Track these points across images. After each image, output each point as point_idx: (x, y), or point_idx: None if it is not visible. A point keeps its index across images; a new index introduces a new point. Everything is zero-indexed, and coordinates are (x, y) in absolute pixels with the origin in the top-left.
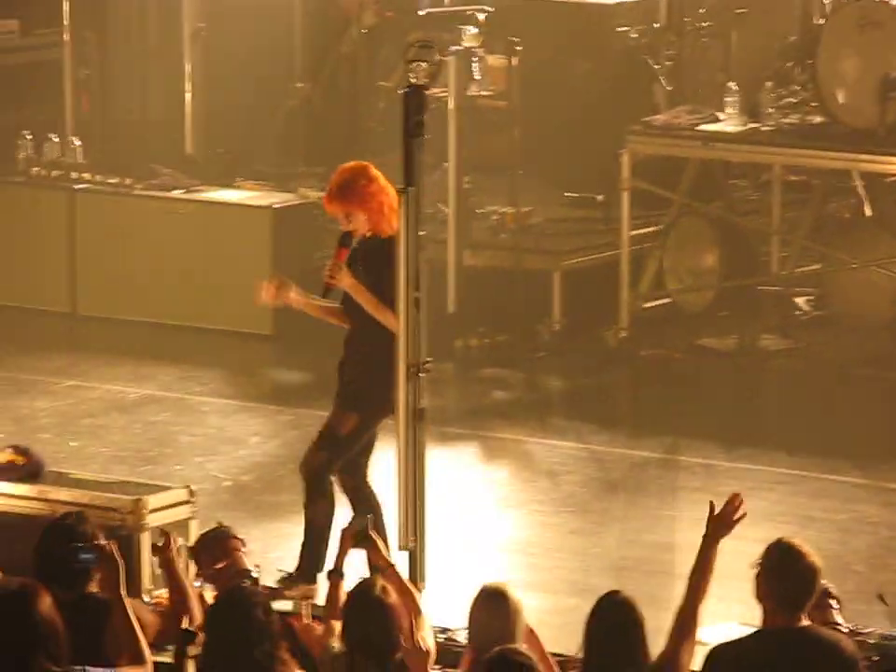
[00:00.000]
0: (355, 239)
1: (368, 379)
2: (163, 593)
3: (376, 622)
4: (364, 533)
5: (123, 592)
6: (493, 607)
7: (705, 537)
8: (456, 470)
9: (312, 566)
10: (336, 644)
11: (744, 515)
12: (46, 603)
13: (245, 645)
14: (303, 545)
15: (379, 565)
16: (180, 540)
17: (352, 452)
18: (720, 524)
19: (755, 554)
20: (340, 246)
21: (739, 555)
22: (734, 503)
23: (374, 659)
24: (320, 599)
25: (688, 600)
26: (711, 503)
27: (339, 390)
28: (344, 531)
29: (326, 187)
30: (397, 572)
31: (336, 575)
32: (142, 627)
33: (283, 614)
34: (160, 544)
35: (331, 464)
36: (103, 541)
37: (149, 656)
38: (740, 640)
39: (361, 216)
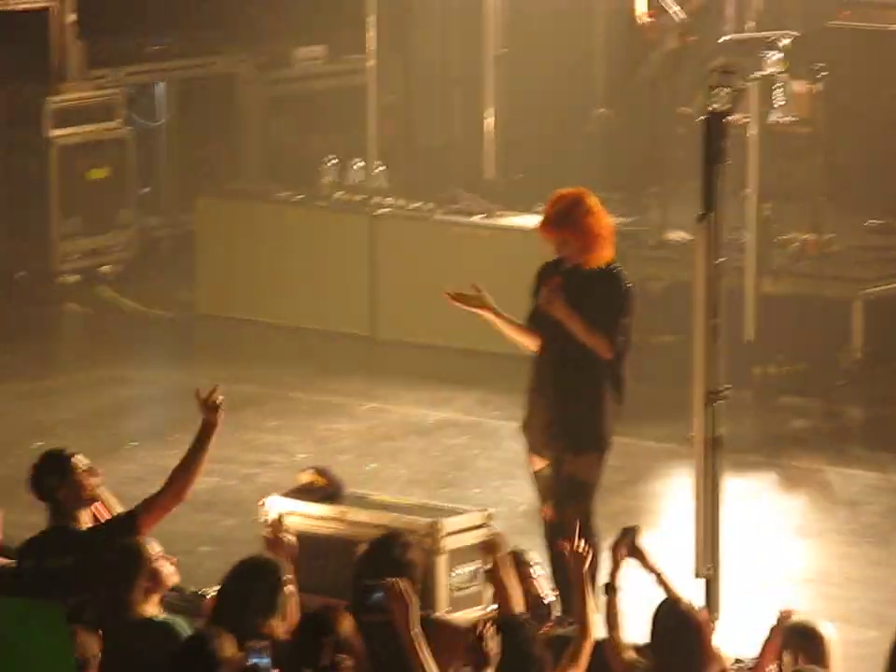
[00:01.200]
0: (564, 267)
1: (592, 416)
2: (459, 616)
3: (690, 637)
4: (634, 544)
5: (416, 630)
6: (807, 646)
7: None
8: (753, 499)
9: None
10: (633, 655)
11: None
12: (346, 625)
13: None
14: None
15: (650, 573)
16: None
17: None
18: None
19: None
20: (552, 274)
21: None
22: None
23: None
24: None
25: None
26: None
27: (554, 431)
28: (617, 544)
29: (542, 211)
30: (665, 580)
31: (612, 589)
32: (449, 646)
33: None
34: (490, 549)
35: (591, 508)
36: (396, 579)
37: None
38: None
39: (574, 244)
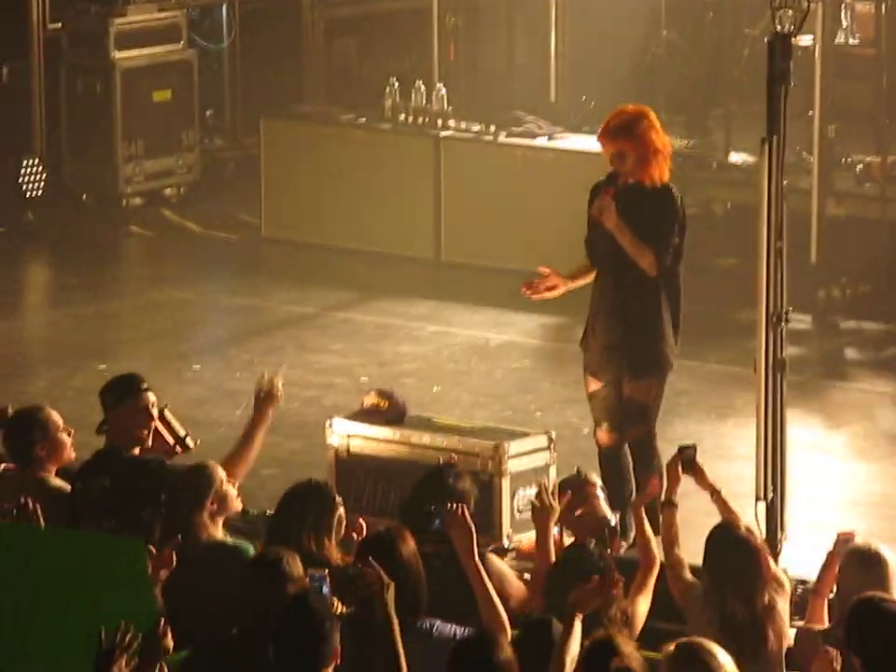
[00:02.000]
0: (619, 183)
1: (651, 339)
2: (522, 538)
3: (746, 560)
4: (691, 460)
5: (477, 560)
6: (868, 569)
7: None
8: (816, 421)
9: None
10: (690, 577)
11: None
12: (409, 548)
13: None
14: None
15: (706, 490)
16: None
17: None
18: None
19: None
20: (607, 184)
21: None
22: None
23: (744, 599)
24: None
25: None
26: None
27: (612, 355)
28: (673, 462)
29: (602, 124)
30: (723, 498)
31: (670, 505)
32: (505, 598)
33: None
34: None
35: (653, 431)
36: (455, 506)
37: (507, 624)
38: None
39: (631, 157)
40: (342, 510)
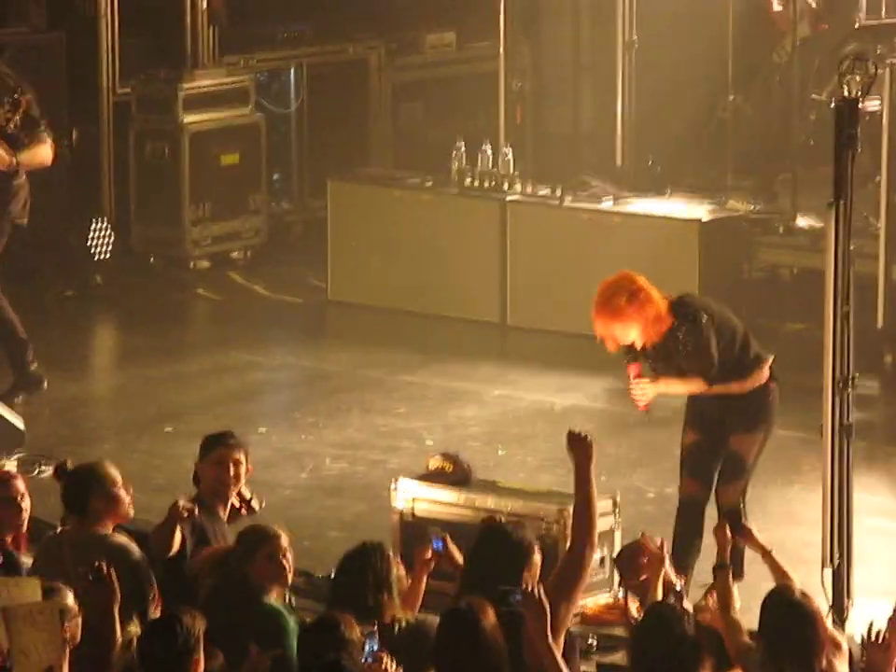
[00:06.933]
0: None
1: (753, 400)
2: (587, 602)
3: (801, 625)
4: (739, 524)
5: (550, 641)
6: None
7: None
8: (882, 487)
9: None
10: (747, 639)
11: None
12: (491, 622)
13: (675, 663)
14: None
15: (756, 551)
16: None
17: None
18: None
19: None
20: (629, 363)
21: None
22: None
23: (801, 665)
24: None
25: None
26: None
27: (713, 416)
28: (720, 523)
29: (595, 308)
30: (774, 558)
31: (724, 568)
32: None
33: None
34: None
35: (747, 487)
36: (534, 587)
37: None
38: None
39: (638, 332)
40: (401, 567)
